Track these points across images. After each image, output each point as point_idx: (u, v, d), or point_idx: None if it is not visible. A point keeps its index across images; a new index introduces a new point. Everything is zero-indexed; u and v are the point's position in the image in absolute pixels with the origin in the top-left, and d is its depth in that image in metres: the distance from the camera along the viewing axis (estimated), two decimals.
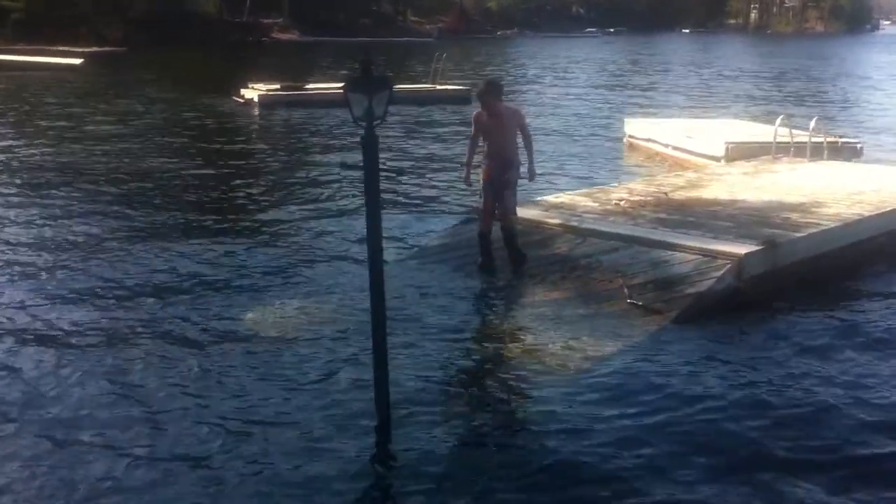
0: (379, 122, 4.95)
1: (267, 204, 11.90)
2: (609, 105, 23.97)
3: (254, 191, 12.67)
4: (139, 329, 6.99)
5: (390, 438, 5.23)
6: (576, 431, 5.32)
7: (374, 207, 5.16)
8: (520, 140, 8.29)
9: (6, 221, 10.51)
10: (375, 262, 5.21)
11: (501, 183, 8.16)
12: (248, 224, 10.68)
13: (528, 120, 8.81)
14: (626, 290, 7.55)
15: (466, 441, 5.33)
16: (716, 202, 9.92)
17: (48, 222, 10.50)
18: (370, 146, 5.01)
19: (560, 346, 6.62)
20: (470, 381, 6.23)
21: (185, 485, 4.75)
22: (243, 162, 15.39)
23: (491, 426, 5.53)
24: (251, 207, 11.64)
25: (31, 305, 7.51)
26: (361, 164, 5.13)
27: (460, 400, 5.91)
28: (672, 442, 5.23)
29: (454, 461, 5.03)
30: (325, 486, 4.74)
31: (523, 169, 8.36)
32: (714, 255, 7.83)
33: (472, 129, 8.37)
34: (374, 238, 5.19)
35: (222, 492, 4.69)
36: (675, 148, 15.56)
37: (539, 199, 10.20)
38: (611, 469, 4.94)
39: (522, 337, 6.87)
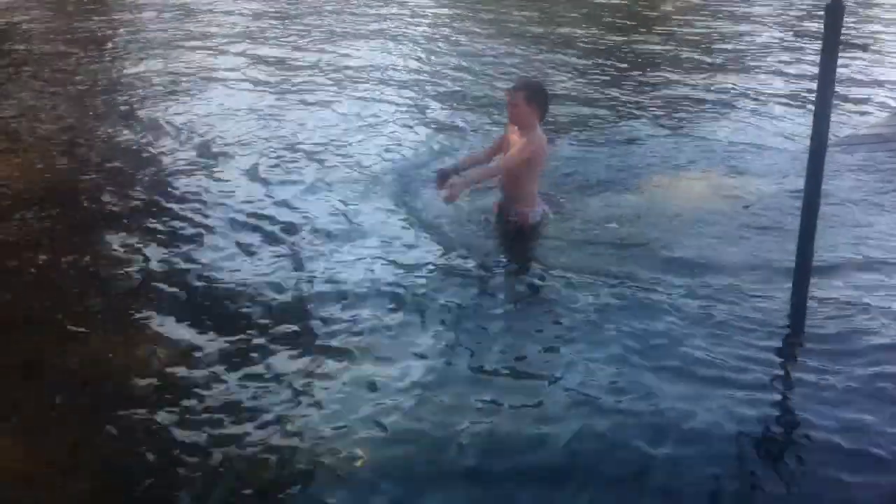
0: None
1: (698, 74, 11.19)
2: None
3: (678, 65, 11.77)
4: None
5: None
6: None
7: (826, 83, 4.50)
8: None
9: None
10: (818, 151, 4.59)
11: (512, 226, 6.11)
12: (676, 94, 10.13)
13: None
14: None
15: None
16: None
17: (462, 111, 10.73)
18: (835, 14, 4.39)
19: None
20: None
21: None
22: (662, 30, 14.65)
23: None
24: (679, 78, 10.99)
25: None
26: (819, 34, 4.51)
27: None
28: None
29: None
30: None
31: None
32: None
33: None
34: (820, 122, 4.56)
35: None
36: None
37: None
38: None
39: None
